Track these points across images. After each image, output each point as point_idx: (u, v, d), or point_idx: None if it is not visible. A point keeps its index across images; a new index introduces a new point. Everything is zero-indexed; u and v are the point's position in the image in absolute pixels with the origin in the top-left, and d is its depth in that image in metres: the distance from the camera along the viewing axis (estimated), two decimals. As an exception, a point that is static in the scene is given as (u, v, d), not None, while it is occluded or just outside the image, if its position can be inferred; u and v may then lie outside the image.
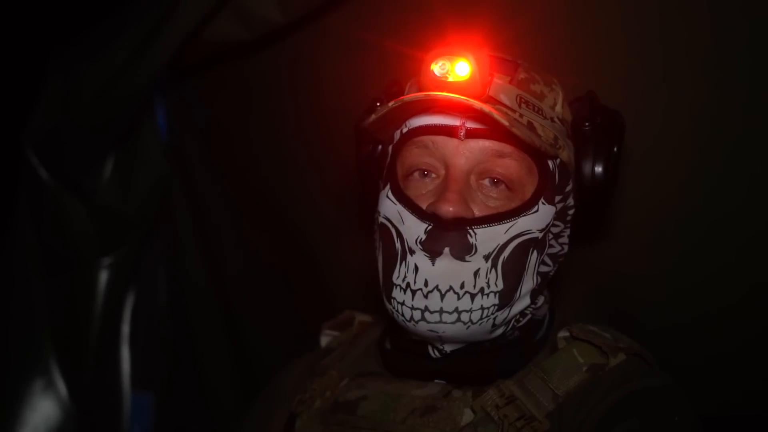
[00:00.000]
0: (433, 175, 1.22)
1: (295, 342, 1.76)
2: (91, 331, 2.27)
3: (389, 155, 1.28)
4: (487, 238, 1.17)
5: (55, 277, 2.27)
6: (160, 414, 2.42)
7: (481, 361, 1.24)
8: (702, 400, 1.55)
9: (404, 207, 1.21)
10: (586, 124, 1.25)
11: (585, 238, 1.59)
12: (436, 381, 1.25)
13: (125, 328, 2.38)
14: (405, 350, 1.27)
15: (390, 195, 1.24)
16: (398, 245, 1.21)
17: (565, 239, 1.29)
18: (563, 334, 1.26)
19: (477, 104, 1.13)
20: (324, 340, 1.49)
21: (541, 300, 1.28)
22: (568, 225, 1.29)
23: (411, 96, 1.17)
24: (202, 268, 2.40)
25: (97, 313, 2.27)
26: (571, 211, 1.28)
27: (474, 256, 1.16)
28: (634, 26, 1.53)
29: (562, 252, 1.29)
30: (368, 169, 1.35)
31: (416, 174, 1.23)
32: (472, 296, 1.17)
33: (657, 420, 1.15)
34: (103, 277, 2.26)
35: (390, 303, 1.22)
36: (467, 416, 1.18)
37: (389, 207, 1.23)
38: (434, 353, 1.24)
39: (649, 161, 1.56)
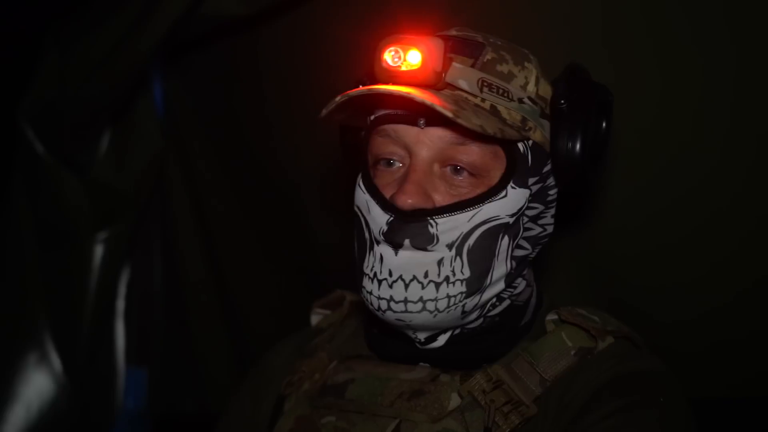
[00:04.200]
0: (399, 164, 1.21)
1: (290, 318, 1.76)
2: (86, 306, 2.28)
3: (364, 143, 1.27)
4: (449, 228, 1.15)
5: (50, 252, 2.28)
6: (154, 389, 2.43)
7: (465, 347, 1.24)
8: (701, 384, 1.56)
9: (371, 197, 1.21)
10: (561, 101, 1.22)
11: (570, 220, 1.57)
12: (422, 364, 1.25)
13: (120, 304, 2.39)
14: (389, 335, 1.27)
15: (360, 183, 1.24)
16: (367, 235, 1.20)
17: (547, 220, 1.27)
18: (552, 317, 1.26)
19: (418, 97, 1.10)
20: (314, 319, 1.48)
21: (521, 284, 1.27)
22: (551, 206, 1.27)
23: (356, 91, 1.15)
24: (197, 243, 2.41)
25: (91, 288, 2.28)
26: (552, 192, 1.26)
27: (436, 245, 1.15)
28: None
29: (544, 233, 1.26)
30: (350, 156, 1.34)
31: (382, 163, 1.22)
32: (437, 285, 1.16)
33: (641, 401, 1.14)
34: (98, 252, 2.27)
35: (361, 292, 1.22)
36: (454, 401, 1.18)
37: (360, 196, 1.23)
38: (417, 338, 1.23)
39: (644, 138, 1.54)
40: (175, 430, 2.47)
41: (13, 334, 2.27)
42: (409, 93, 1.11)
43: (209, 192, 2.36)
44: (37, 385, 2.25)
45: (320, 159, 2.02)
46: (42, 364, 2.25)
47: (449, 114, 1.09)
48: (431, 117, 1.16)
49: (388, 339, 1.27)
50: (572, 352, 1.21)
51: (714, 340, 1.59)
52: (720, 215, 1.52)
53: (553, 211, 1.28)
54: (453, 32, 1.24)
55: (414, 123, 1.18)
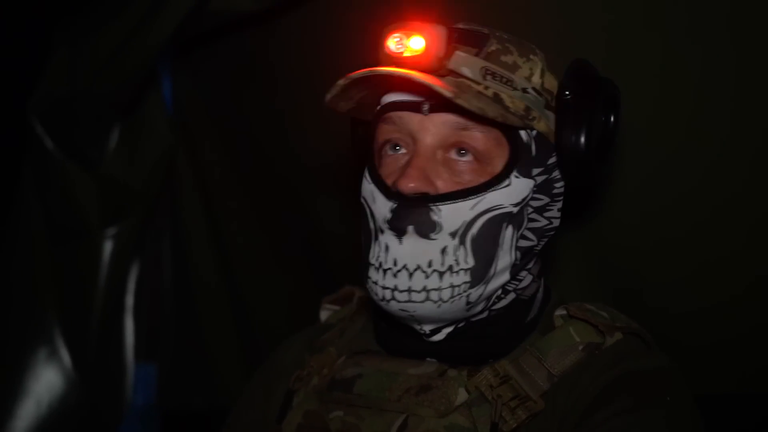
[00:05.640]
0: (403, 150, 1.21)
1: (300, 313, 1.76)
2: (95, 302, 2.28)
3: (371, 133, 1.27)
4: (451, 215, 1.15)
5: (59, 247, 2.28)
6: (164, 384, 2.44)
7: (472, 342, 1.24)
8: (708, 379, 1.55)
9: (375, 186, 1.21)
10: (566, 93, 1.21)
11: (576, 213, 1.57)
12: (428, 360, 1.24)
13: (130, 299, 2.39)
14: (396, 329, 1.27)
15: (366, 174, 1.24)
16: (372, 225, 1.20)
17: (553, 213, 1.26)
18: (560, 312, 1.25)
19: (418, 77, 1.11)
20: (323, 315, 1.48)
21: (526, 277, 1.26)
22: (557, 199, 1.26)
23: (358, 73, 1.15)
24: (207, 238, 2.41)
25: (101, 284, 2.29)
26: (558, 185, 1.25)
27: (439, 233, 1.15)
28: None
29: (550, 226, 1.25)
30: (360, 150, 1.35)
31: (387, 149, 1.22)
32: (441, 274, 1.15)
33: (647, 400, 1.14)
34: (108, 248, 2.27)
35: (367, 282, 1.21)
36: (461, 396, 1.17)
37: (365, 186, 1.23)
38: (423, 331, 1.23)
39: (651, 130, 1.53)
40: (185, 426, 2.48)
41: (23, 330, 2.27)
42: (409, 74, 1.11)
43: (219, 187, 2.36)
44: (46, 381, 2.25)
45: (331, 154, 2.02)
46: (52, 360, 2.26)
47: (449, 94, 1.10)
48: (434, 103, 1.16)
49: (396, 334, 1.27)
50: (580, 348, 1.20)
51: (723, 333, 1.59)
52: (727, 208, 1.52)
53: (559, 204, 1.27)
54: (460, 25, 1.24)
55: (418, 110, 1.18)
